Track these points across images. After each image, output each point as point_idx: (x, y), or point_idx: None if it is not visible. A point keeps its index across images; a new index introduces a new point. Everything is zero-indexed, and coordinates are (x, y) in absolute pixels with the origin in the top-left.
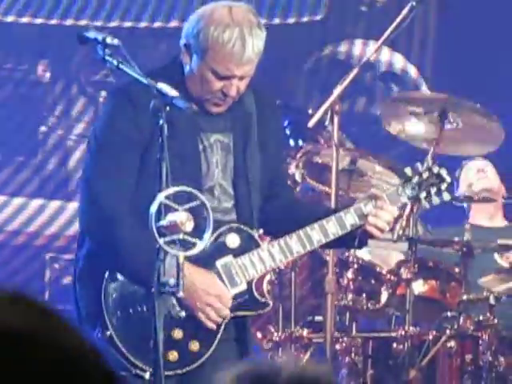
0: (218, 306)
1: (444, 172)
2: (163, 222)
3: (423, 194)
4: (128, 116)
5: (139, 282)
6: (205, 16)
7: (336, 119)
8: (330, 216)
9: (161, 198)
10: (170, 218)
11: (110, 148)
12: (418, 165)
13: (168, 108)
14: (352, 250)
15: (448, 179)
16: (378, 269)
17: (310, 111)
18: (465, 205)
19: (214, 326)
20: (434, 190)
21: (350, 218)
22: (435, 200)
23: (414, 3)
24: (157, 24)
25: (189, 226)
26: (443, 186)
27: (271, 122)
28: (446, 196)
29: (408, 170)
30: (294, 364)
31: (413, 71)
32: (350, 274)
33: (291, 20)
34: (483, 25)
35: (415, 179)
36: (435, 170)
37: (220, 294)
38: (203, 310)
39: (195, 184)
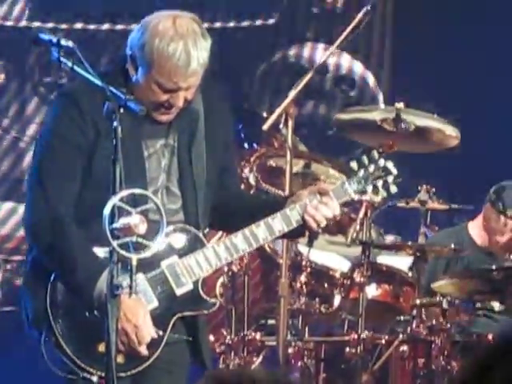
0: (132, 337)
1: (390, 165)
2: (116, 225)
3: (370, 188)
4: (73, 120)
5: (76, 292)
6: (150, 27)
7: (290, 123)
8: (275, 213)
9: (114, 200)
10: (124, 220)
11: (54, 153)
12: (364, 158)
13: (122, 110)
14: (305, 254)
15: (394, 171)
16: (331, 272)
17: (265, 114)
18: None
19: (123, 349)
20: (380, 183)
21: (295, 215)
22: (382, 193)
23: (369, 7)
24: (118, 27)
25: (142, 228)
26: (390, 179)
27: (219, 116)
28: (393, 189)
29: (353, 164)
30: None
31: (371, 78)
32: (303, 278)
33: (245, 23)
34: (442, 29)
35: (361, 173)
36: (381, 162)
37: (138, 326)
38: (119, 334)
39: (140, 188)
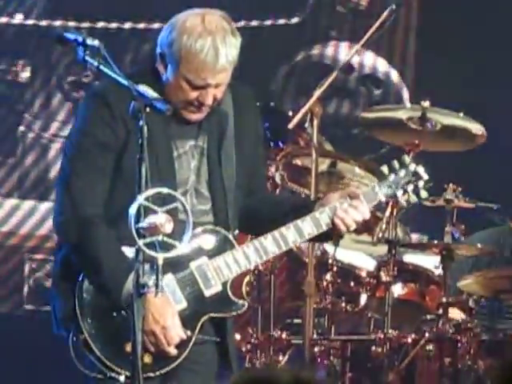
0: (161, 338)
1: (421, 170)
2: (143, 224)
3: (400, 192)
4: (104, 120)
5: (104, 293)
6: (178, 25)
7: (315, 121)
8: (305, 216)
9: (140, 199)
10: (150, 219)
11: (85, 152)
12: (395, 163)
13: (148, 109)
14: (331, 253)
15: (425, 177)
16: (357, 271)
17: (290, 113)
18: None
19: (152, 349)
20: (410, 188)
21: (325, 218)
22: (412, 198)
23: (394, 6)
24: (141, 25)
25: (168, 227)
26: (420, 184)
27: (249, 117)
28: (424, 194)
29: (384, 168)
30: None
31: (395, 76)
32: (328, 277)
33: (268, 22)
34: (466, 28)
35: (391, 177)
36: (412, 167)
37: (166, 327)
38: (147, 334)
39: (169, 189)
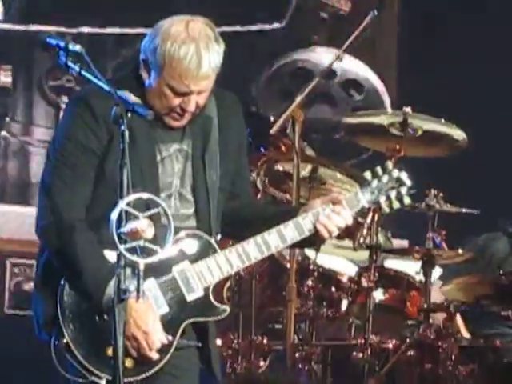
0: (142, 343)
1: (404, 176)
2: (124, 229)
3: (383, 198)
4: (87, 124)
5: (85, 297)
6: (162, 31)
7: (297, 127)
8: (288, 221)
9: (122, 204)
10: (131, 224)
11: (68, 158)
12: (378, 169)
13: (129, 114)
14: (313, 258)
15: (408, 183)
16: (338, 277)
17: (272, 118)
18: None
19: (134, 354)
20: (393, 194)
21: (307, 223)
22: (395, 204)
23: (376, 12)
24: (126, 30)
25: (149, 232)
26: (403, 190)
27: (233, 123)
28: (407, 200)
29: (367, 174)
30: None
31: (376, 81)
32: (310, 282)
33: (253, 28)
34: (448, 33)
35: (374, 183)
36: (395, 173)
37: (148, 332)
38: (129, 339)
39: (152, 194)
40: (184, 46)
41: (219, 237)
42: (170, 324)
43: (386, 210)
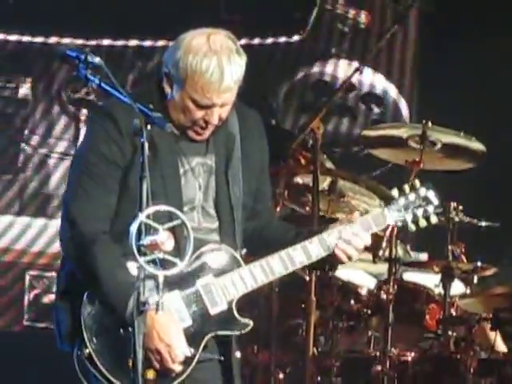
0: (165, 356)
1: (431, 194)
2: (143, 241)
3: (409, 216)
4: (110, 137)
5: (108, 309)
6: (183, 45)
7: (317, 140)
8: (313, 237)
9: (141, 217)
10: (151, 237)
11: (92, 170)
12: (405, 186)
13: (149, 127)
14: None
15: (435, 202)
16: (357, 289)
17: (292, 131)
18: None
19: (157, 366)
20: (420, 213)
21: (332, 240)
22: (422, 222)
23: (396, 27)
24: (146, 43)
25: (169, 245)
26: (430, 209)
27: (256, 141)
28: (434, 219)
29: (394, 192)
30: None
31: (393, 91)
32: (330, 295)
33: (269, 41)
34: (467, 44)
35: (401, 201)
36: (422, 192)
37: (171, 345)
38: (152, 352)
39: (175, 206)
40: (206, 59)
41: (244, 251)
42: (192, 337)
43: (413, 228)
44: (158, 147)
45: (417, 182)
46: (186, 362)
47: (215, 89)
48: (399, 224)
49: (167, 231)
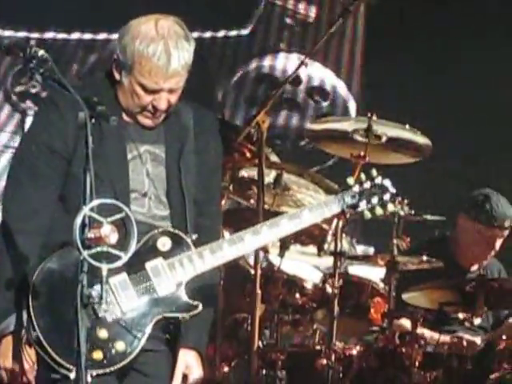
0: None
1: (388, 183)
2: (87, 235)
3: (363, 203)
4: (53, 124)
5: None
6: (131, 30)
7: (262, 134)
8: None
9: (85, 210)
10: (94, 230)
11: (27, 157)
12: (362, 175)
13: (93, 120)
14: (277, 264)
15: (391, 189)
16: (302, 283)
17: (237, 124)
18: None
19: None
20: (376, 200)
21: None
22: (378, 210)
23: (342, 20)
24: (86, 36)
25: (113, 238)
26: (387, 197)
27: (210, 141)
28: (391, 207)
29: (350, 179)
30: None
31: (342, 87)
32: (275, 288)
33: (220, 34)
34: (413, 39)
35: (356, 188)
36: (378, 180)
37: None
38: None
39: (122, 190)
40: (153, 44)
41: (195, 236)
42: (141, 318)
43: (368, 215)
44: (105, 133)
45: (373, 171)
46: (133, 343)
47: (162, 73)
48: (353, 211)
49: (111, 224)
